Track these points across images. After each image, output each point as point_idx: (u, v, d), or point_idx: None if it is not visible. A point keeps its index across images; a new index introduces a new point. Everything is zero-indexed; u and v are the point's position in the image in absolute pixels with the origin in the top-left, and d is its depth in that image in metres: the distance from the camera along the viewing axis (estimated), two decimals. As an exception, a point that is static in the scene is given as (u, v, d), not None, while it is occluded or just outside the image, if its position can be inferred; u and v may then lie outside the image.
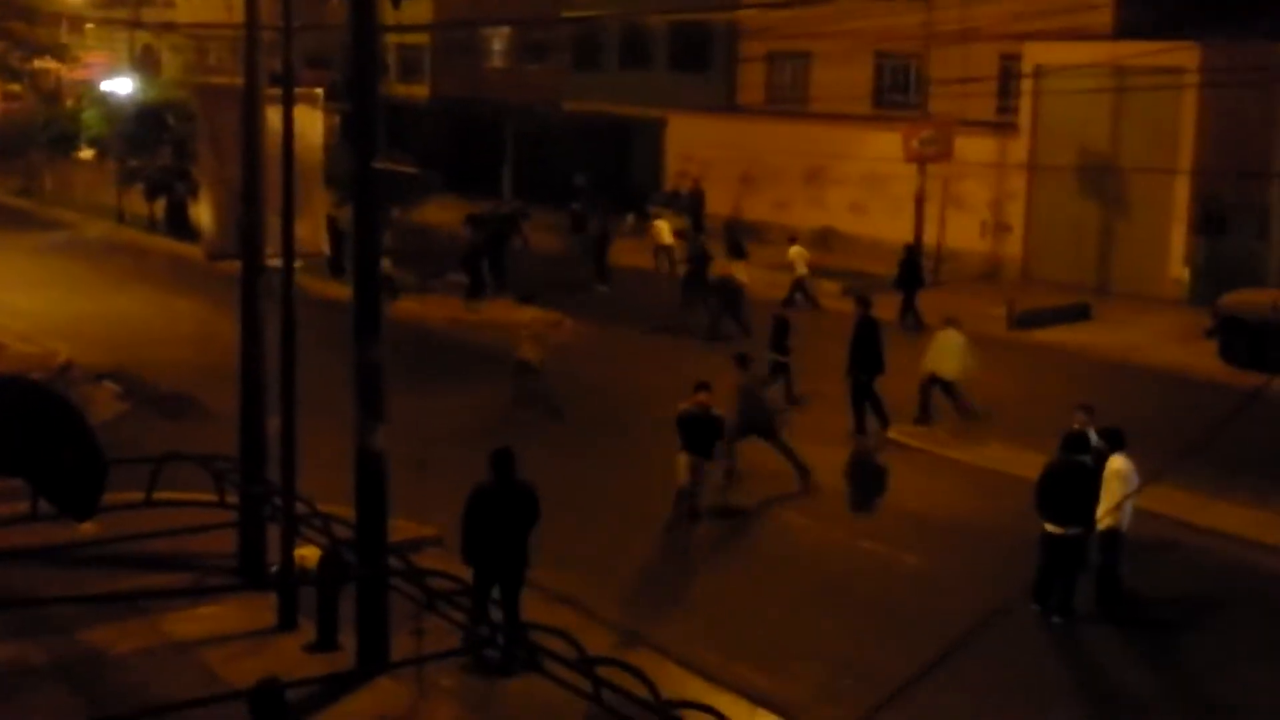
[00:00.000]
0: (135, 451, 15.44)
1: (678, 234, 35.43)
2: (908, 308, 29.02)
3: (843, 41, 36.01)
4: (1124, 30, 32.09)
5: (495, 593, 12.81)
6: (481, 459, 13.06)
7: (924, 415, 21.33)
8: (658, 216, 37.13)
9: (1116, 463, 14.25)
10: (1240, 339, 24.99)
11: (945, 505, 18.22)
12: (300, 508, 13.40)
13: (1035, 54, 33.09)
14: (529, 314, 22.96)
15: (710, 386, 17.25)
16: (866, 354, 21.04)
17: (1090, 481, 14.17)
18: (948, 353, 21.33)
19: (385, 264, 24.72)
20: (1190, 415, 20.69)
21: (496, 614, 12.57)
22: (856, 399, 21.09)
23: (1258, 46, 29.97)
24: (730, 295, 27.97)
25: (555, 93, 48.40)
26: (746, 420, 18.20)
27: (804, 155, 38.56)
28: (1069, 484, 14.15)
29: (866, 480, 19.82)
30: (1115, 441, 14.56)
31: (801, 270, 30.84)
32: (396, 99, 50.98)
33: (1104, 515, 13.85)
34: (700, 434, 17.02)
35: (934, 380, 21.42)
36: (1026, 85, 33.43)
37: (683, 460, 17.11)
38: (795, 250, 31.30)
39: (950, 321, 21.93)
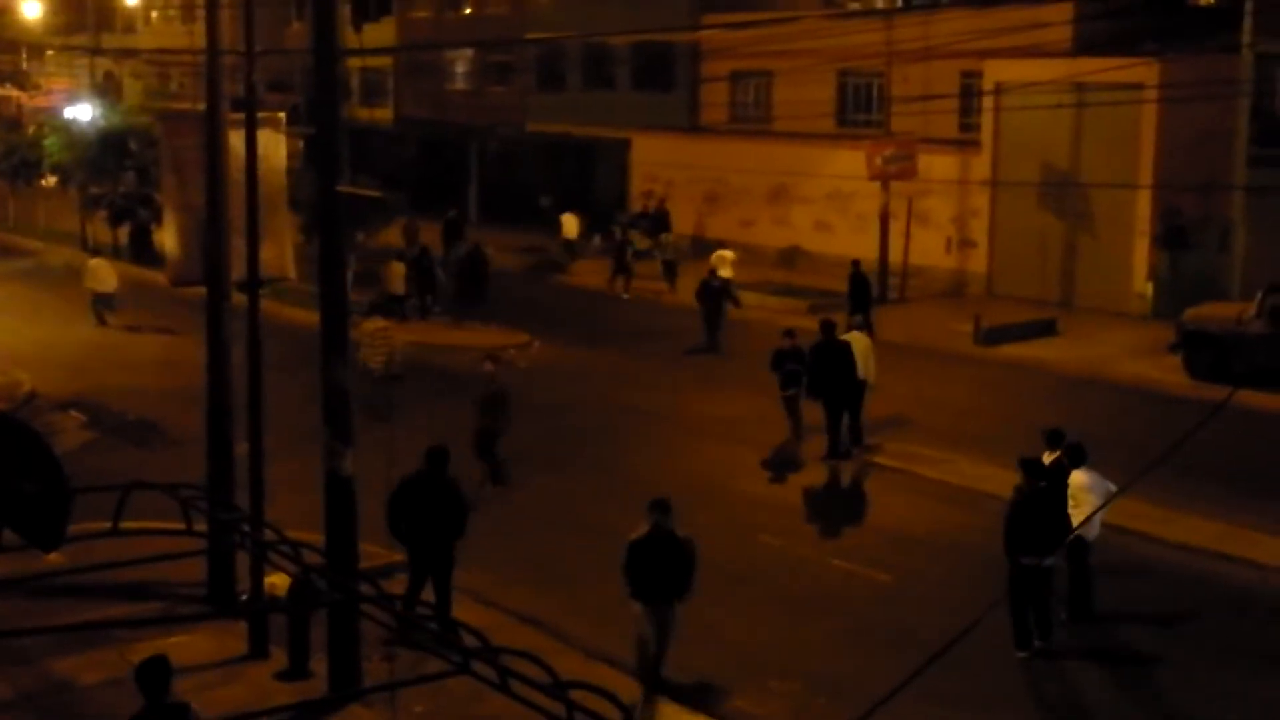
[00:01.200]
0: (102, 480, 15.24)
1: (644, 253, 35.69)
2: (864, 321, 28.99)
3: (805, 60, 36.19)
4: (1082, 46, 32.36)
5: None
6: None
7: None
8: (626, 235, 37.33)
9: (1079, 478, 14.31)
10: (1204, 353, 25.13)
11: (916, 522, 18.26)
12: (269, 534, 13.30)
13: (996, 71, 33.32)
14: (372, 324, 24.15)
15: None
16: (829, 377, 20.68)
17: (1060, 507, 14.12)
18: (859, 355, 21.56)
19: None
20: (1155, 429, 20.83)
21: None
22: (832, 422, 20.74)
23: (1215, 59, 30.28)
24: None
25: (519, 114, 48.44)
26: None
27: (768, 174, 38.67)
28: (1040, 513, 13.96)
29: (837, 498, 19.84)
30: (1077, 458, 14.63)
31: (726, 272, 31.20)
32: (360, 122, 50.95)
33: (1077, 527, 13.87)
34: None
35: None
36: (988, 102, 33.66)
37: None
38: (719, 254, 32.16)
39: (857, 326, 22.75)
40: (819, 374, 20.61)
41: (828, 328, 21.24)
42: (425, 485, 13.86)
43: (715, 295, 29.13)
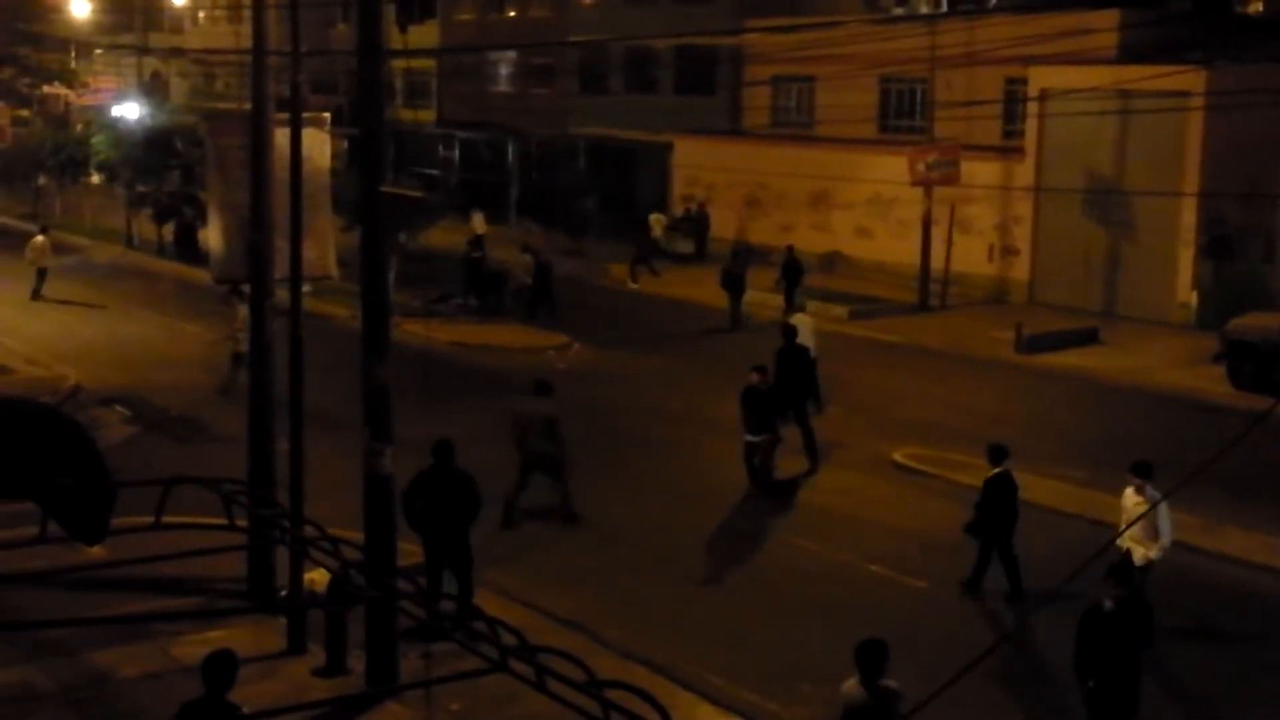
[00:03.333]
0: (144, 474, 15.43)
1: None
2: (790, 301, 30.59)
3: (847, 65, 36.11)
4: (1128, 54, 32.17)
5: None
6: (487, 477, 13.09)
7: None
8: (666, 240, 37.55)
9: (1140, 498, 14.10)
10: (1248, 363, 24.95)
11: (951, 528, 18.16)
12: (309, 530, 13.39)
13: (1040, 78, 33.17)
14: (243, 311, 23.53)
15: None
16: (793, 382, 20.70)
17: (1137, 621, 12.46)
18: (806, 334, 22.85)
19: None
20: (1198, 440, 20.66)
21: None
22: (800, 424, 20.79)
23: (1262, 68, 30.01)
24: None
25: (561, 116, 48.55)
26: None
27: (809, 178, 38.63)
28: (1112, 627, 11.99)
29: (872, 504, 19.77)
30: (998, 456, 15.61)
31: (658, 232, 34.13)
32: (403, 123, 51.18)
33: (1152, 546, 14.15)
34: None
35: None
36: (1032, 108, 33.50)
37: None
38: (655, 216, 36.22)
39: (801, 308, 25.33)
40: (783, 378, 20.50)
41: (789, 332, 21.50)
42: (436, 477, 14.25)
43: (737, 282, 31.14)
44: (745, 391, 18.96)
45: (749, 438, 19.05)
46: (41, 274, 33.38)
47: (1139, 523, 13.84)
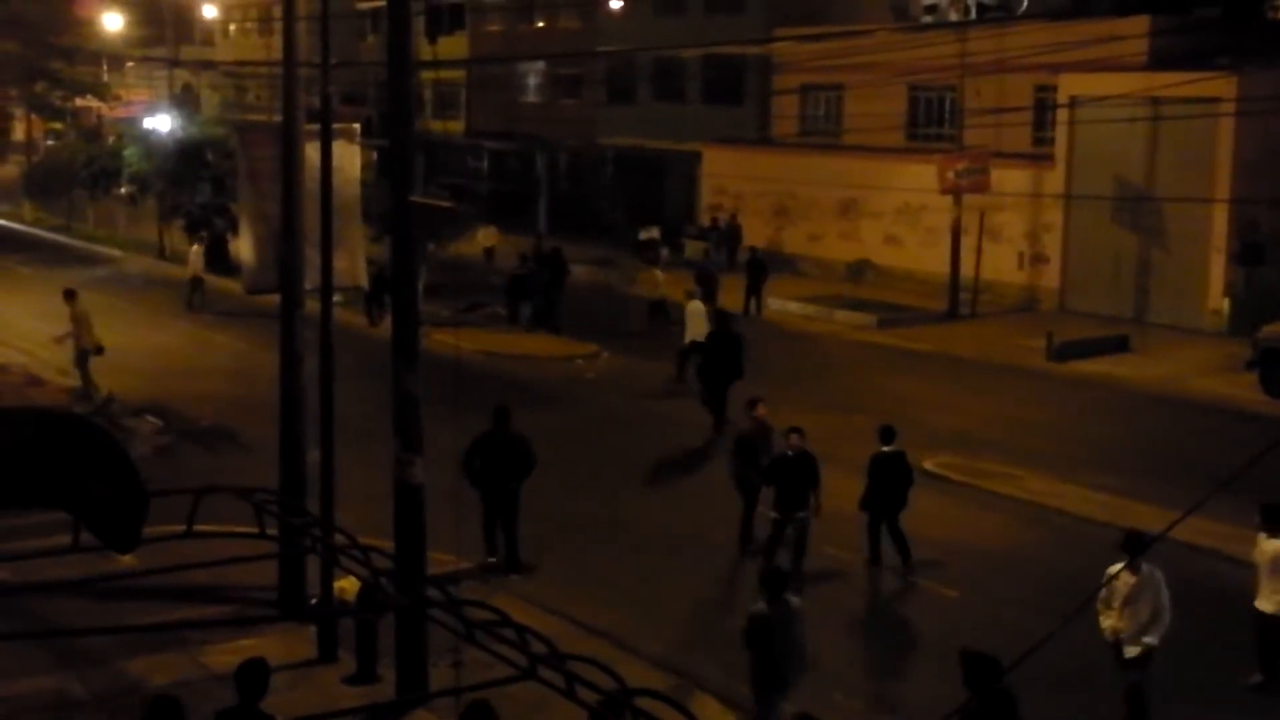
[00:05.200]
0: (176, 484, 15.51)
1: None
2: (753, 299, 33.41)
3: (876, 73, 36.07)
4: (1157, 60, 32.04)
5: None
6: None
7: (681, 376, 25.36)
8: (693, 249, 37.60)
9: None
10: (1281, 369, 24.80)
11: (985, 538, 18.12)
12: (339, 539, 13.44)
13: (1070, 85, 33.06)
14: (78, 310, 24.72)
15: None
16: (723, 362, 22.46)
17: None
18: (698, 321, 25.23)
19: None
20: (1232, 447, 20.53)
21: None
22: (715, 403, 22.42)
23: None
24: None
25: (590, 126, 48.64)
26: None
27: (838, 187, 38.57)
28: None
29: (905, 514, 19.68)
30: (887, 436, 16.37)
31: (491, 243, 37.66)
32: (433, 134, 51.36)
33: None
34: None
35: (693, 347, 24.90)
36: (1061, 116, 33.39)
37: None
38: (485, 232, 39.51)
39: (690, 294, 26.60)
40: (712, 360, 22.52)
41: (723, 319, 23.56)
42: (494, 439, 16.16)
43: (760, 268, 33.06)
44: (775, 462, 16.56)
45: (775, 515, 16.34)
46: (196, 283, 34.36)
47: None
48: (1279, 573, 13.22)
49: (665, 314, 30.27)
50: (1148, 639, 12.37)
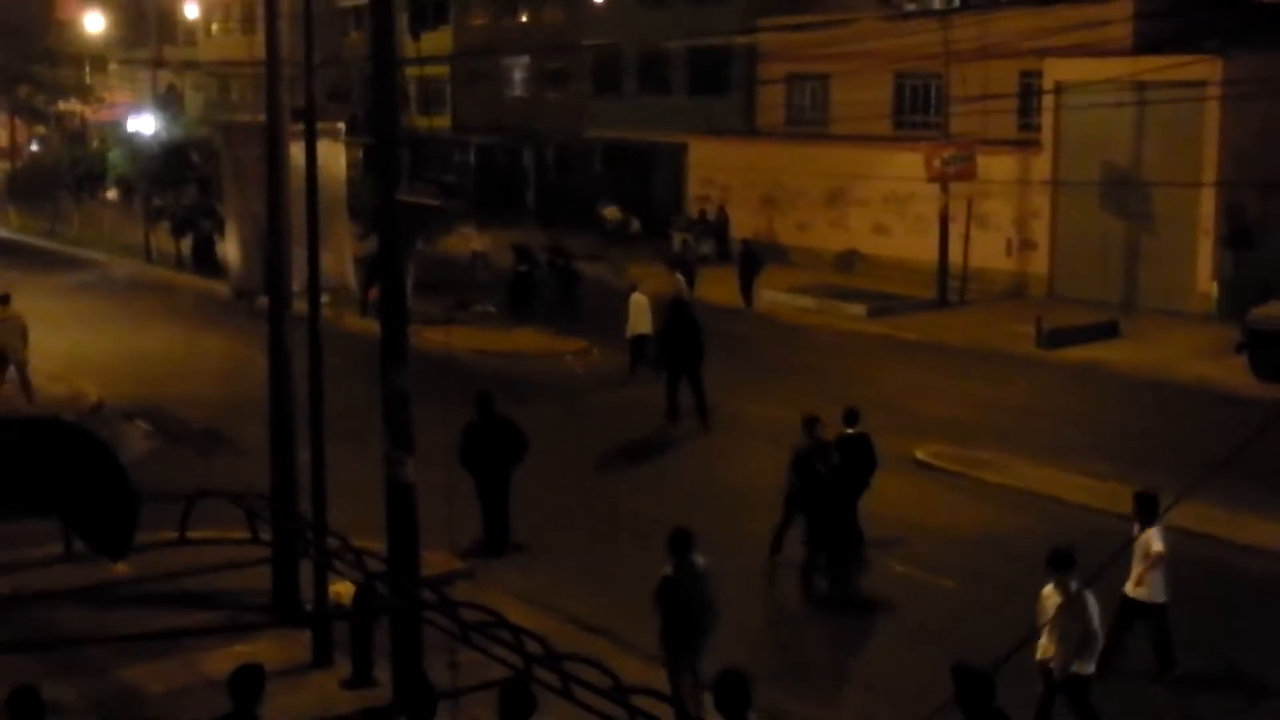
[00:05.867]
0: (168, 489, 15.45)
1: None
2: (747, 292, 33.38)
3: (862, 62, 36.03)
4: (1143, 45, 32.02)
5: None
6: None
7: (635, 367, 25.69)
8: (686, 246, 37.51)
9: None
10: (1271, 352, 24.79)
11: (978, 526, 18.11)
12: (332, 542, 13.39)
13: (1055, 70, 33.05)
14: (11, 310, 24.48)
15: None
16: (679, 342, 22.63)
17: None
18: (642, 313, 25.78)
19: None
20: (1223, 431, 20.52)
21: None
22: (673, 390, 22.75)
23: (1277, 57, 29.81)
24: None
25: (577, 119, 48.57)
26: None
27: (825, 177, 38.56)
28: None
29: (898, 503, 19.69)
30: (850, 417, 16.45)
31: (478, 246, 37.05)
32: (418, 130, 51.26)
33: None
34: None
35: (640, 339, 25.59)
36: (1048, 102, 33.38)
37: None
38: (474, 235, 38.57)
39: (634, 287, 26.79)
40: (671, 344, 22.82)
41: (681, 306, 23.64)
42: (482, 425, 16.60)
43: (753, 261, 33.31)
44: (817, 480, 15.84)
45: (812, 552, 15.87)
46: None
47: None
48: (1146, 560, 13.08)
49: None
50: (1078, 667, 11.64)
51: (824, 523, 15.59)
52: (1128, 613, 13.23)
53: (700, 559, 12.32)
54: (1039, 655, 11.71)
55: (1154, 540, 13.01)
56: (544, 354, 28.76)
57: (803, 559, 15.82)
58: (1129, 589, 13.18)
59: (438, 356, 26.92)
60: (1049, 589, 11.71)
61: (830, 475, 15.67)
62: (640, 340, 25.82)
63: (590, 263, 39.10)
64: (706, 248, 40.31)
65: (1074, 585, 11.54)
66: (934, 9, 38.80)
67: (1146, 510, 12.84)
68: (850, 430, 16.60)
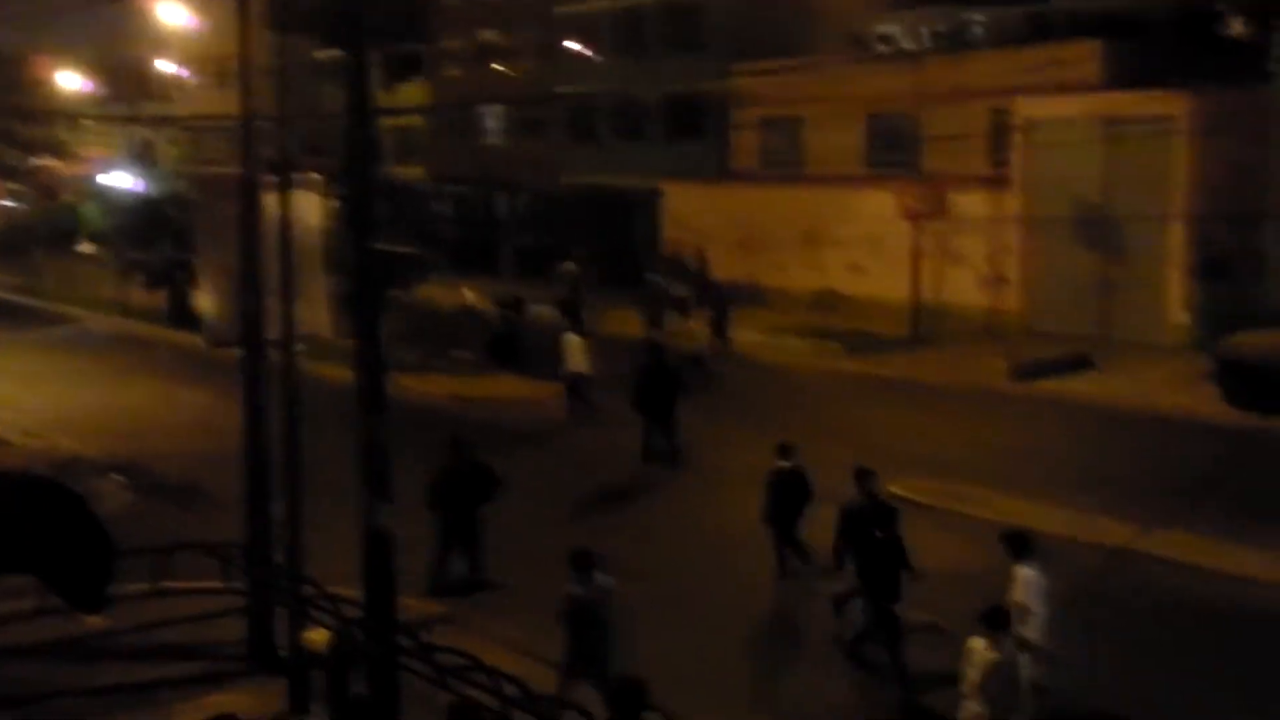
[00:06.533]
0: (145, 542, 15.43)
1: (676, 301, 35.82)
2: (720, 333, 32.85)
3: (835, 105, 36.37)
4: (1113, 81, 32.38)
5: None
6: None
7: (575, 406, 26.12)
8: (660, 286, 37.49)
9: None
10: (1243, 381, 24.98)
11: (959, 561, 18.12)
12: (308, 590, 13.38)
13: (1025, 108, 33.37)
14: None
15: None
16: (654, 385, 22.89)
17: None
18: (577, 352, 26.19)
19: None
20: (1199, 460, 20.66)
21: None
22: (654, 434, 22.93)
23: (1246, 91, 30.21)
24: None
25: (552, 168, 48.79)
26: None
27: (801, 218, 38.81)
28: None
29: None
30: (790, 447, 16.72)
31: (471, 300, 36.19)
32: (395, 180, 51.42)
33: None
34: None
35: (576, 378, 26.04)
36: (1019, 139, 33.69)
37: None
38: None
39: (570, 328, 27.60)
40: (645, 387, 22.91)
41: (655, 349, 24.17)
42: (455, 468, 16.81)
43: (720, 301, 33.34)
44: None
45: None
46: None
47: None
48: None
49: (704, 367, 29.63)
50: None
51: (878, 590, 14.17)
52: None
53: (605, 578, 12.75)
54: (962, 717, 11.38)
55: (1021, 582, 12.64)
56: (522, 399, 28.78)
57: (858, 628, 14.63)
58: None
59: (416, 404, 26.97)
60: (981, 644, 11.33)
61: (888, 542, 14.31)
62: (576, 380, 26.28)
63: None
64: (683, 291, 40.35)
65: (1008, 645, 11.40)
66: (905, 51, 39.19)
67: (1015, 548, 12.76)
68: (785, 464, 16.91)
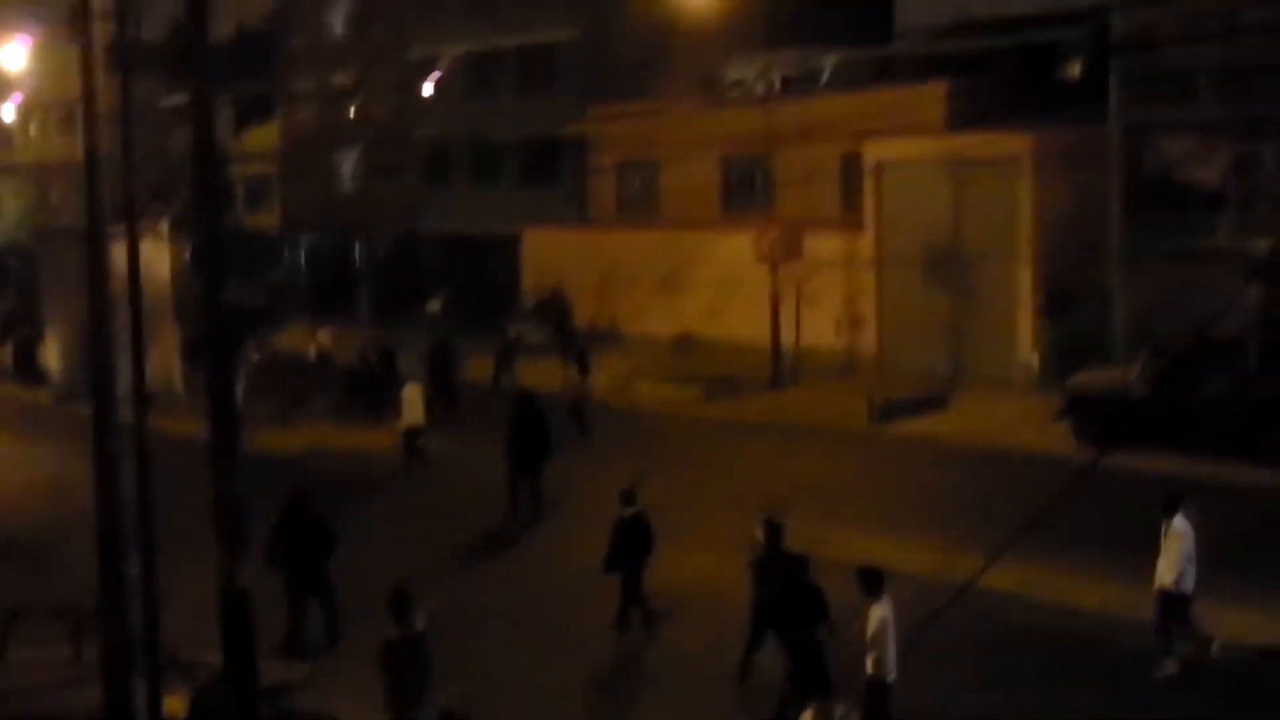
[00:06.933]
0: (-8, 607, 14.88)
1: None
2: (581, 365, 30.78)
3: (689, 148, 36.70)
4: (957, 122, 33.18)
5: None
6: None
7: (410, 460, 26.50)
8: (518, 333, 37.40)
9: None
10: (1091, 417, 25.59)
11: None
12: (165, 655, 13.00)
13: (874, 150, 34.01)
14: None
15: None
16: (523, 436, 22.57)
17: None
18: (414, 405, 26.64)
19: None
20: (1043, 496, 21.03)
21: None
22: (518, 486, 22.51)
23: (1087, 130, 31.13)
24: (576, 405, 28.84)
25: (409, 213, 48.49)
26: None
27: (658, 262, 39.03)
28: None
29: (734, 584, 19.68)
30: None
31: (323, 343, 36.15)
32: (245, 228, 50.65)
33: None
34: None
35: (413, 431, 26.60)
36: (869, 181, 34.31)
37: None
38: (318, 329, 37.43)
39: (407, 381, 27.75)
40: (515, 438, 22.60)
41: (526, 398, 23.81)
42: (293, 520, 16.66)
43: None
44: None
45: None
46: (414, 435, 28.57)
47: None
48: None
49: (582, 418, 28.59)
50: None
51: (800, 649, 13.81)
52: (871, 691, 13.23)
53: (420, 617, 13.11)
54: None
55: (874, 618, 13.21)
56: (380, 449, 28.40)
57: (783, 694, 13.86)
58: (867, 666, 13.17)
59: (273, 457, 26.47)
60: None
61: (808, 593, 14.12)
62: (412, 432, 26.69)
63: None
64: (540, 336, 40.28)
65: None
66: (757, 94, 39.73)
67: (868, 585, 13.35)
68: (629, 510, 17.04)
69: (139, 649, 13.21)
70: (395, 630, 13.08)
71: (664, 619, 17.43)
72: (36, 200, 62.33)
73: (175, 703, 12.89)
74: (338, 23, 52.32)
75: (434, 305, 40.33)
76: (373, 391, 31.72)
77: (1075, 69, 35.14)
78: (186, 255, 34.12)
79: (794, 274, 33.92)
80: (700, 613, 17.97)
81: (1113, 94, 30.70)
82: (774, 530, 15.03)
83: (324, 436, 29.55)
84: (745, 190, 38.87)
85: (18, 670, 14.16)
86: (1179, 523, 15.05)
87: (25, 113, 64.00)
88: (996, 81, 34.80)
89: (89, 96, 14.05)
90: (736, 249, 34.99)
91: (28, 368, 38.00)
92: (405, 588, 13.38)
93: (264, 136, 53.89)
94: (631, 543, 17.02)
